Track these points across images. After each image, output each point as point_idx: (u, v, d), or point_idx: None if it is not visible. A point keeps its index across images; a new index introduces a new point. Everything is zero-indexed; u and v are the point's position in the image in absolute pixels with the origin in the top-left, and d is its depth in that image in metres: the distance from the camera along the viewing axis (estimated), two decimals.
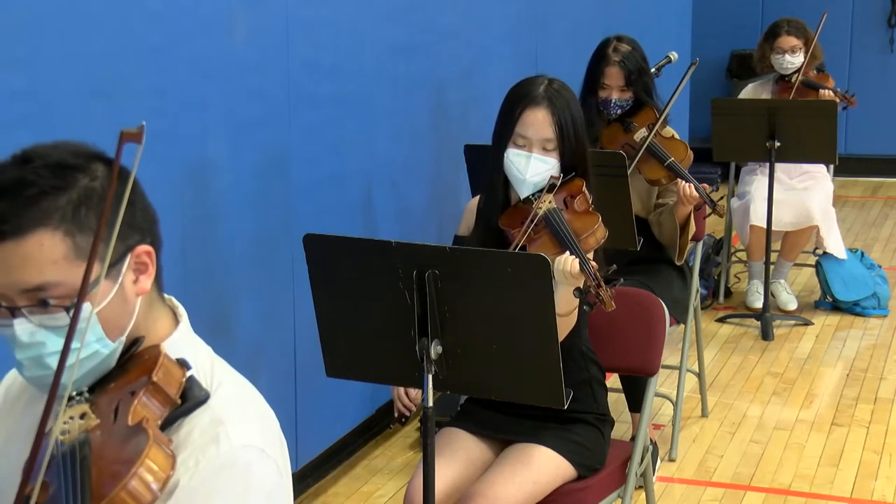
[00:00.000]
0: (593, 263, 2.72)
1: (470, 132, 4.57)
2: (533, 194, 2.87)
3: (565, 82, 2.97)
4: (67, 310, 1.48)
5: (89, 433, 1.47)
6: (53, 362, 1.49)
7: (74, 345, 1.49)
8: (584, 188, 2.88)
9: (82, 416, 1.49)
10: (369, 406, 4.27)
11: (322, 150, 3.78)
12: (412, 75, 4.34)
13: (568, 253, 2.71)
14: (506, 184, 2.93)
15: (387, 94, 4.17)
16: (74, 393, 1.52)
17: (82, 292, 1.43)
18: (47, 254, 1.47)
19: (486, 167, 2.98)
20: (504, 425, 2.88)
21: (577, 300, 2.74)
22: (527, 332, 2.38)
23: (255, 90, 3.41)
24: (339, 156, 3.89)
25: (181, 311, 1.68)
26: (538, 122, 2.85)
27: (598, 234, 2.84)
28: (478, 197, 3.04)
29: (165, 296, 1.66)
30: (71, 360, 1.49)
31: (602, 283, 2.68)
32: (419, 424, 3.62)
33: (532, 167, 2.85)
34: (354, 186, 4.02)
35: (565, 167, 2.87)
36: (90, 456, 1.44)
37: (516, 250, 2.74)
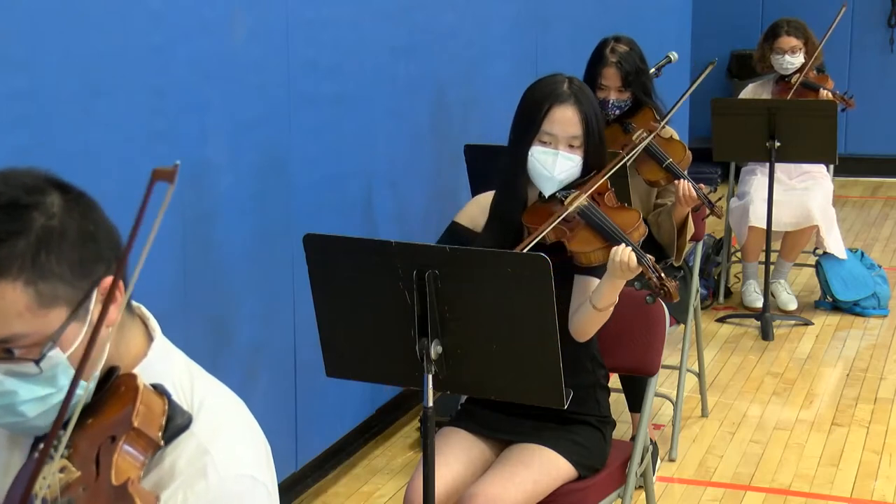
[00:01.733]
0: (650, 256, 2.73)
1: (470, 132, 4.57)
2: (561, 191, 2.87)
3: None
4: (36, 362, 1.42)
5: (71, 489, 1.41)
6: (27, 410, 1.45)
7: (48, 390, 1.44)
8: (609, 184, 2.90)
9: (62, 470, 1.42)
10: (369, 406, 4.27)
11: (322, 150, 3.78)
12: (412, 75, 4.34)
13: (623, 245, 2.72)
14: (525, 182, 2.92)
15: (387, 94, 4.17)
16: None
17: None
18: (9, 307, 1.39)
19: (501, 165, 2.95)
20: (504, 425, 2.88)
21: (618, 294, 2.76)
22: (527, 332, 2.38)
23: (255, 90, 3.41)
24: (339, 156, 3.89)
25: (152, 323, 1.61)
26: (566, 119, 2.85)
27: (640, 229, 2.85)
28: (489, 193, 3.01)
29: (134, 304, 1.60)
30: (46, 405, 1.45)
31: (663, 274, 2.70)
32: (419, 424, 3.62)
33: (559, 164, 2.84)
34: (354, 186, 4.02)
35: (588, 165, 2.88)
36: None
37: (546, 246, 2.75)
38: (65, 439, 1.42)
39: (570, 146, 2.85)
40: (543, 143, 2.86)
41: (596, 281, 2.82)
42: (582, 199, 2.83)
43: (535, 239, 2.75)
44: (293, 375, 3.72)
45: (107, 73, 2.80)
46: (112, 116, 2.83)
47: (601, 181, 2.87)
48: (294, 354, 3.71)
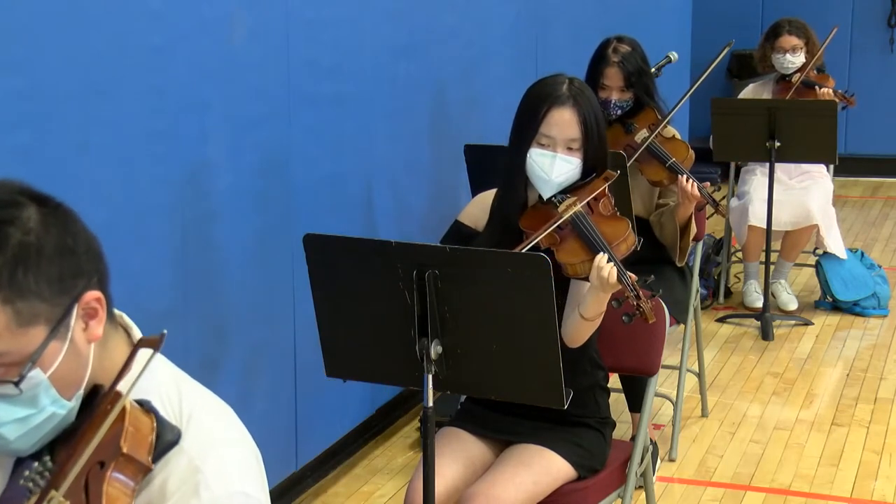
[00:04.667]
0: (631, 275, 2.67)
1: (470, 132, 4.57)
2: (556, 195, 2.84)
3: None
4: (16, 383, 1.38)
5: None
6: (7, 432, 1.41)
7: (29, 411, 1.41)
8: (607, 190, 2.86)
9: (50, 501, 1.37)
10: (369, 406, 4.27)
11: (322, 150, 3.78)
12: (412, 75, 4.34)
13: (606, 258, 2.67)
14: (524, 183, 2.90)
15: (387, 95, 4.17)
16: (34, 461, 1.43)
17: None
18: None
19: (501, 167, 2.92)
20: (504, 425, 2.87)
21: (605, 305, 2.71)
22: (527, 332, 2.38)
23: (255, 90, 3.41)
24: (339, 156, 3.88)
25: (135, 332, 1.56)
26: (564, 121, 2.80)
27: (629, 240, 2.78)
28: (491, 191, 2.98)
29: (116, 312, 1.55)
30: (27, 426, 1.41)
31: (641, 295, 2.65)
32: (419, 424, 3.61)
33: (557, 167, 2.80)
34: (354, 186, 4.02)
35: (587, 167, 2.84)
36: None
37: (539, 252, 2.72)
38: (61, 492, 1.37)
39: (569, 149, 2.81)
40: (542, 146, 2.82)
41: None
42: (576, 207, 2.78)
43: (528, 244, 2.72)
44: (293, 375, 3.72)
45: (107, 73, 2.80)
46: (112, 116, 2.83)
47: (599, 189, 2.80)
48: (294, 354, 3.71)
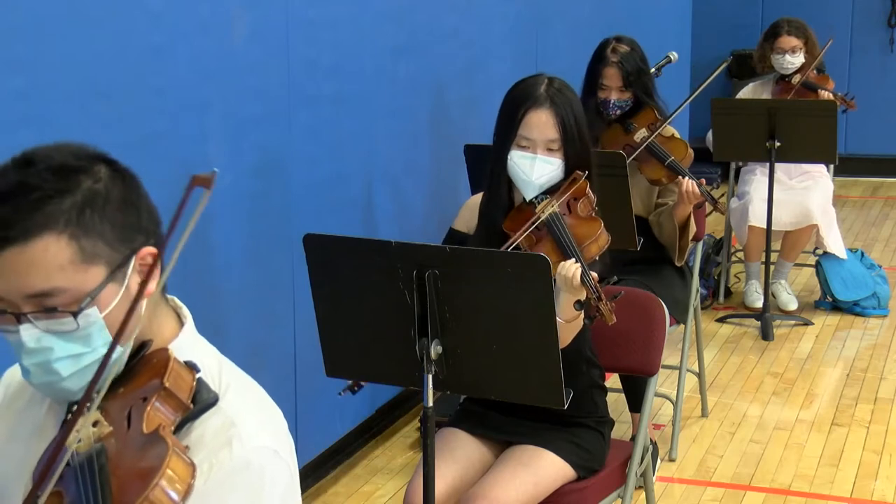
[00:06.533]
0: (594, 274, 2.69)
1: (470, 132, 4.57)
2: (537, 196, 2.85)
3: (564, 80, 2.96)
4: (74, 315, 1.46)
5: (103, 441, 1.45)
6: (61, 368, 1.48)
7: (82, 349, 1.48)
8: (589, 189, 2.86)
9: (94, 424, 1.46)
10: (369, 406, 4.27)
11: (322, 150, 3.78)
12: (412, 75, 4.34)
13: (572, 261, 2.69)
14: (508, 185, 2.91)
15: (387, 94, 4.17)
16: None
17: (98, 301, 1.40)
18: (52, 259, 1.44)
19: (487, 168, 2.95)
20: (504, 426, 2.87)
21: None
22: (527, 332, 2.38)
23: (255, 90, 3.41)
24: (339, 156, 3.89)
25: (185, 311, 1.67)
26: (542, 123, 2.81)
27: (600, 241, 2.80)
28: (480, 194, 3.01)
29: (168, 296, 1.66)
30: (79, 364, 1.49)
31: (602, 297, 2.66)
32: (419, 424, 3.61)
33: (538, 169, 2.82)
34: (354, 186, 4.02)
35: (570, 167, 2.85)
36: (107, 466, 1.43)
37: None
38: (98, 399, 1.45)
39: (549, 149, 2.82)
40: (522, 147, 2.83)
41: None
42: (552, 207, 2.80)
43: (509, 245, 2.74)
44: (293, 375, 3.72)
45: (107, 73, 2.80)
46: (112, 116, 2.83)
47: (574, 188, 2.81)
48: (294, 354, 3.71)
